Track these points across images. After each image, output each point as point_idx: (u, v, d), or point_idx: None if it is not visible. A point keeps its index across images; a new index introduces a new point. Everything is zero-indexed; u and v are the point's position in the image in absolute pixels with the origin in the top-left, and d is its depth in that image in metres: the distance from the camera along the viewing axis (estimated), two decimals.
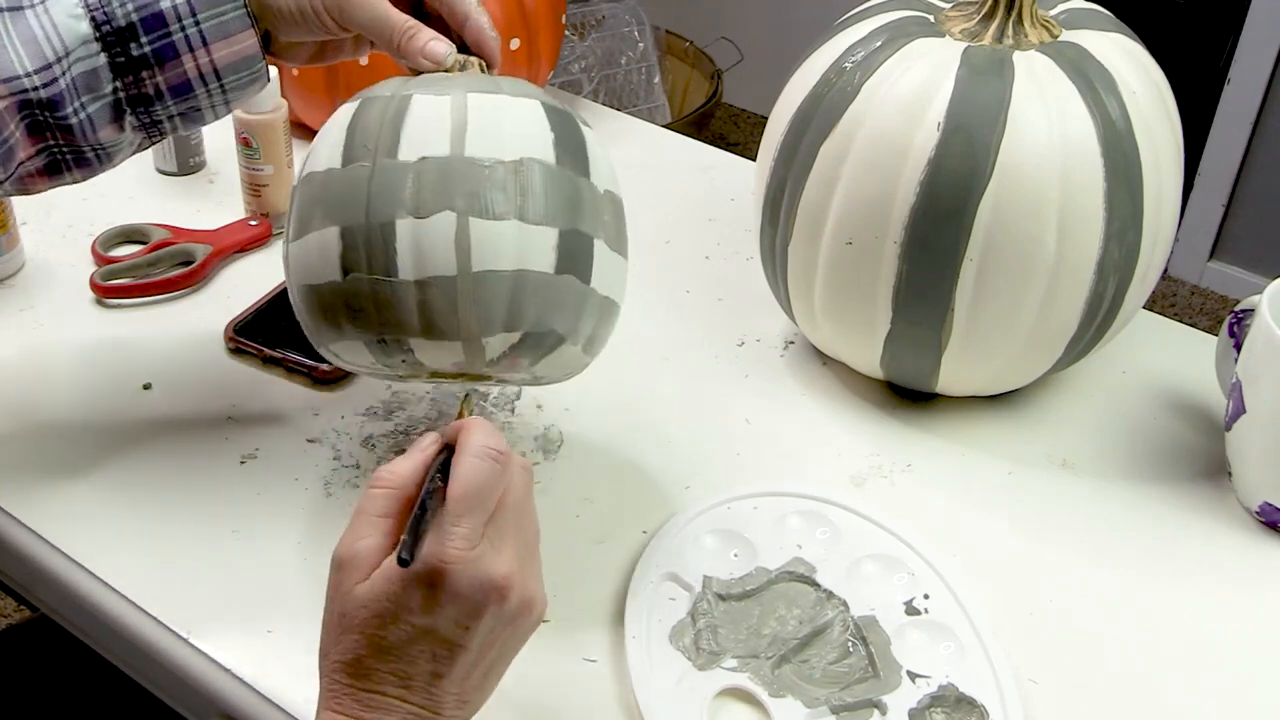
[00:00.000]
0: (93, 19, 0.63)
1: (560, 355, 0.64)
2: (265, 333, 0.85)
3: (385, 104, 0.62)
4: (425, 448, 0.57)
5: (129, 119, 0.66)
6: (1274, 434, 0.73)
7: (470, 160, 0.60)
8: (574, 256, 0.62)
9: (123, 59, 0.64)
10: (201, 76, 0.65)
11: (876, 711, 0.63)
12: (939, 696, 0.64)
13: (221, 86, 0.66)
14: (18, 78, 0.62)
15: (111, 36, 0.63)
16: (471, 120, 0.61)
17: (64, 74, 0.63)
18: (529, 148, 0.61)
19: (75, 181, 0.68)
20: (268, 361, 0.84)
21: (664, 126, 1.26)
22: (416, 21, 0.66)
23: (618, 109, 1.26)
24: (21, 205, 0.94)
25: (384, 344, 0.62)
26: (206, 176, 1.05)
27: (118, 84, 0.64)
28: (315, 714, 0.55)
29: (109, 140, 0.66)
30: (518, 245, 0.60)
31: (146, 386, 0.82)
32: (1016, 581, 0.72)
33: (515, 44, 1.05)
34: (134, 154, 0.69)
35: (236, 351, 0.85)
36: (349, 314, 0.61)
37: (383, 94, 0.63)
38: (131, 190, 1.02)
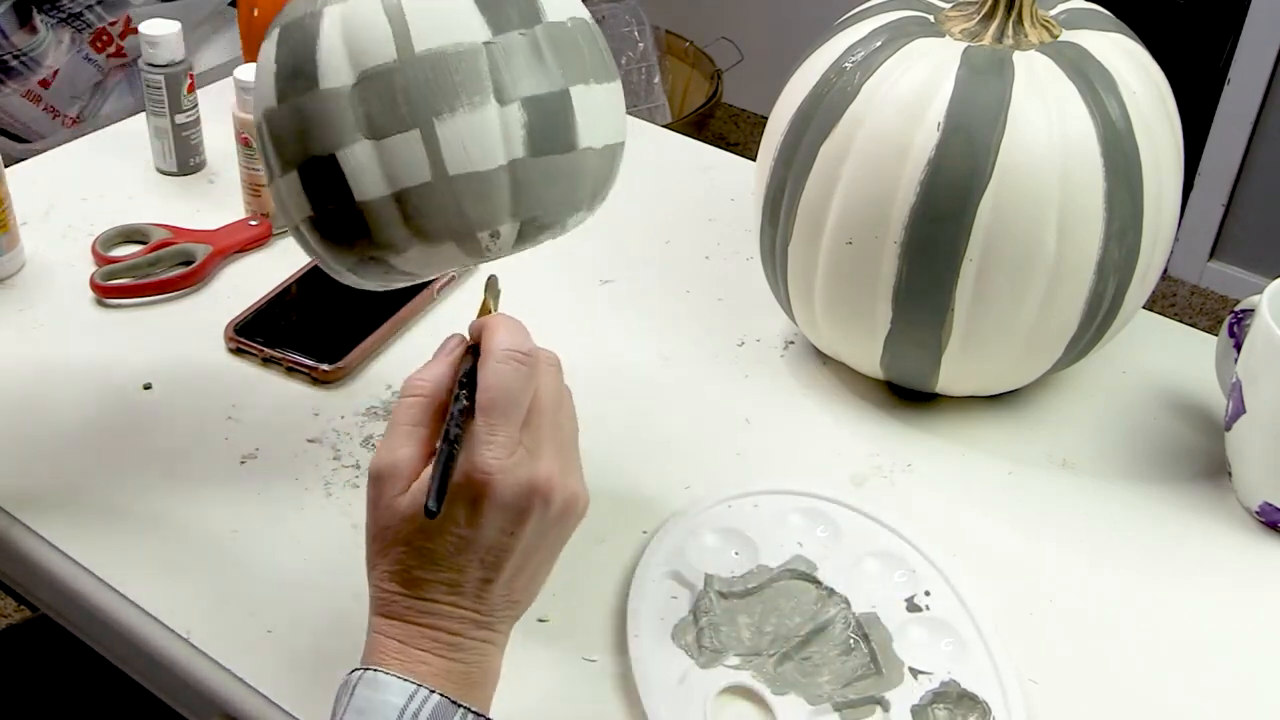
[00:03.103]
0: None
1: (565, 223, 0.62)
2: (265, 333, 0.85)
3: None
4: (451, 350, 0.58)
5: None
6: (1274, 434, 0.73)
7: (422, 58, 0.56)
8: (549, 123, 0.58)
9: None
10: None
11: (879, 708, 0.64)
12: (941, 693, 0.64)
13: None
14: None
15: None
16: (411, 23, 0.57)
17: None
18: (459, 32, 0.57)
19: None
20: (268, 361, 0.84)
21: (664, 126, 1.26)
22: None
23: None
24: (21, 205, 0.94)
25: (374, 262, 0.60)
26: (206, 176, 1.05)
27: None
28: (368, 624, 0.56)
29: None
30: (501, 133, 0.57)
31: (147, 386, 0.82)
32: (1016, 581, 0.72)
33: None
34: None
35: (236, 351, 0.85)
36: (337, 246, 0.60)
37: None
38: (131, 190, 1.02)
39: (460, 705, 0.54)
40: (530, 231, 0.60)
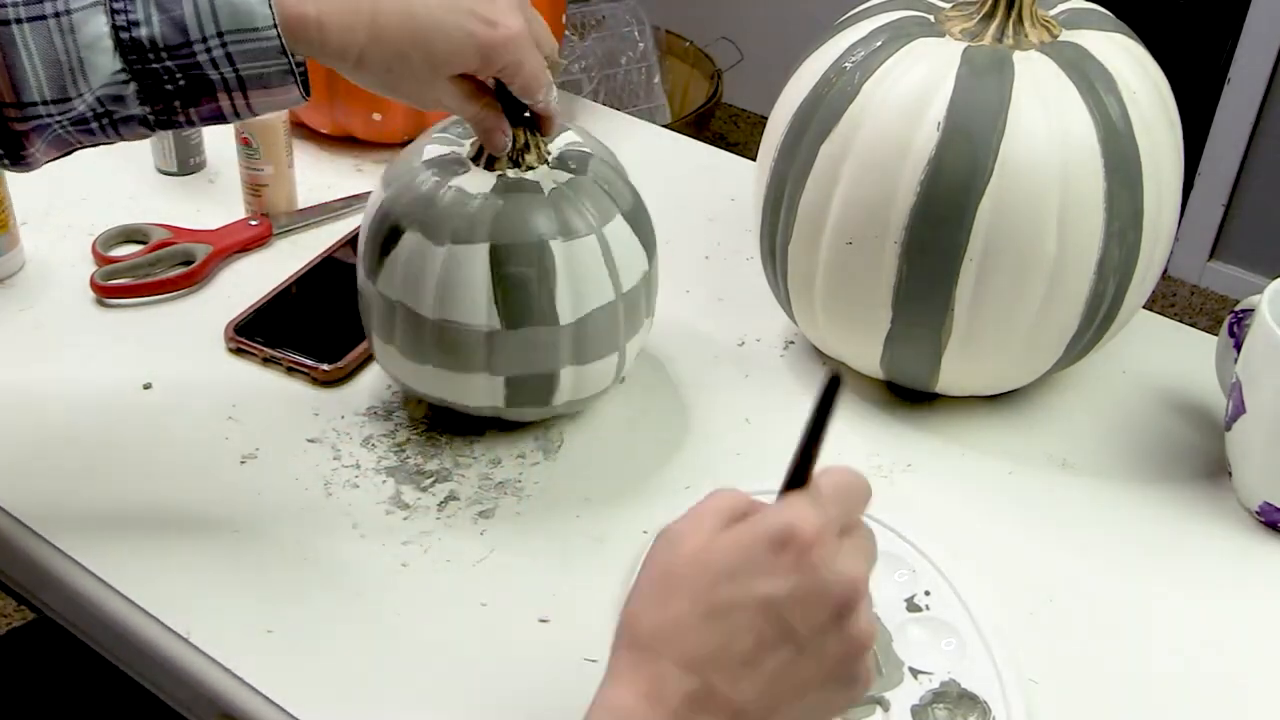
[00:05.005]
0: (122, 51, 0.58)
1: None
2: (265, 333, 0.85)
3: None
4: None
5: (156, 130, 0.63)
6: (1274, 434, 0.73)
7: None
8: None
9: (154, 90, 0.60)
10: (236, 112, 0.62)
11: (879, 708, 0.64)
12: (941, 693, 0.64)
13: (254, 114, 0.63)
14: (34, 104, 0.58)
15: (143, 73, 0.59)
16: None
17: (83, 96, 0.59)
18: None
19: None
20: (268, 361, 0.84)
21: (664, 126, 1.26)
22: (489, 112, 0.70)
23: (618, 109, 1.26)
24: (21, 205, 0.94)
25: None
26: (206, 176, 1.05)
27: (146, 109, 0.61)
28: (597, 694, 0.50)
29: (131, 138, 0.63)
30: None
31: (146, 386, 0.82)
32: (1016, 581, 0.72)
33: None
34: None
35: (236, 351, 0.85)
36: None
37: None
38: (131, 190, 1.02)
39: None
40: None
